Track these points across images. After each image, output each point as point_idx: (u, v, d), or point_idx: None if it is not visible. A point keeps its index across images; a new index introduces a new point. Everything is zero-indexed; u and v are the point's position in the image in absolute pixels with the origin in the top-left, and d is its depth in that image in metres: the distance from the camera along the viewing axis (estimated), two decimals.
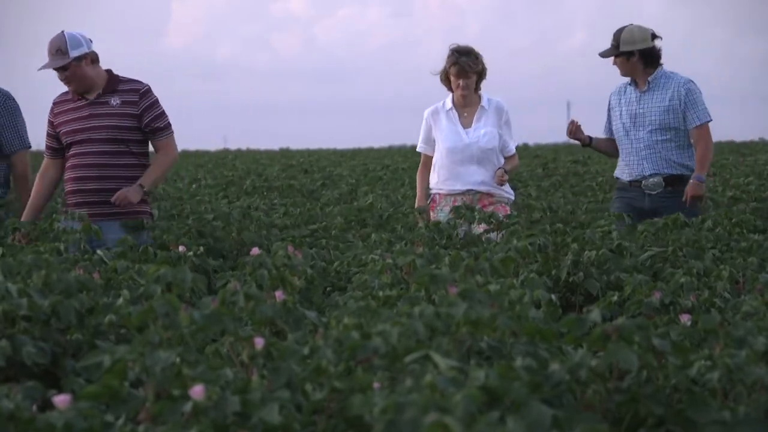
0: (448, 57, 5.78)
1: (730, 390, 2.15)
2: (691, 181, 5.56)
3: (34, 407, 2.09)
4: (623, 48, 5.55)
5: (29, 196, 5.45)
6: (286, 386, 2.14)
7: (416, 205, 6.07)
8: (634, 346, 2.13)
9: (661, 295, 3.20)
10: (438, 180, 5.89)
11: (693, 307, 3.17)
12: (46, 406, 2.13)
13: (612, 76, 5.87)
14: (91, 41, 5.30)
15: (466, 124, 5.85)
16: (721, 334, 2.34)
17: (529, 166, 15.64)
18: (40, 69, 5.29)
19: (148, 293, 2.83)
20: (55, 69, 5.22)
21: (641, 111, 5.66)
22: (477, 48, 5.82)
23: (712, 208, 6.74)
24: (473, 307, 2.30)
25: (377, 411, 1.76)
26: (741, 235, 4.84)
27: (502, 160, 5.87)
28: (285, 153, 30.49)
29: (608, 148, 6.06)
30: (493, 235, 4.90)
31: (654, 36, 5.60)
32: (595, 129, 6.07)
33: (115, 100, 5.29)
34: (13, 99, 5.90)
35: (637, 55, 5.56)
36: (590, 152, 11.28)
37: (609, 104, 5.91)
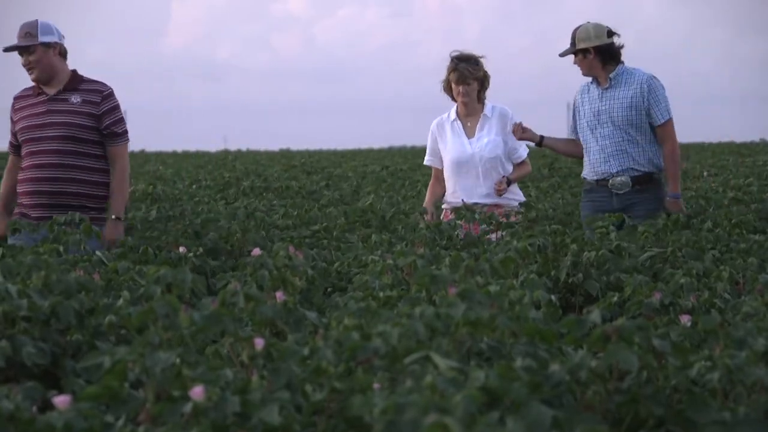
0: (448, 64, 5.71)
1: (730, 391, 2.15)
2: (667, 198, 5.53)
3: (34, 408, 2.10)
4: (579, 46, 5.51)
5: None
6: (286, 387, 2.14)
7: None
8: (634, 347, 2.14)
9: (661, 295, 3.21)
10: (447, 193, 5.83)
11: (693, 307, 3.17)
12: (46, 406, 2.13)
13: None
14: (64, 37, 5.22)
15: (470, 134, 5.74)
16: (721, 334, 2.34)
17: (534, 167, 15.61)
18: (6, 49, 5.18)
19: (148, 294, 2.83)
20: (20, 52, 5.12)
21: (604, 108, 5.60)
22: (478, 50, 5.76)
23: (712, 208, 6.72)
24: (473, 308, 2.30)
25: (377, 412, 1.77)
26: (741, 236, 4.85)
27: (510, 168, 5.77)
28: (285, 153, 30.50)
29: (566, 148, 6.00)
30: (492, 236, 4.88)
31: (611, 33, 5.54)
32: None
33: (75, 98, 5.17)
34: None
35: (593, 53, 5.50)
36: None
37: (574, 104, 5.84)
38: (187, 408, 1.96)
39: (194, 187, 12.76)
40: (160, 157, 27.68)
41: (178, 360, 2.10)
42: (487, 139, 5.70)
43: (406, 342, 2.16)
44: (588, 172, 5.71)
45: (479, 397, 1.74)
